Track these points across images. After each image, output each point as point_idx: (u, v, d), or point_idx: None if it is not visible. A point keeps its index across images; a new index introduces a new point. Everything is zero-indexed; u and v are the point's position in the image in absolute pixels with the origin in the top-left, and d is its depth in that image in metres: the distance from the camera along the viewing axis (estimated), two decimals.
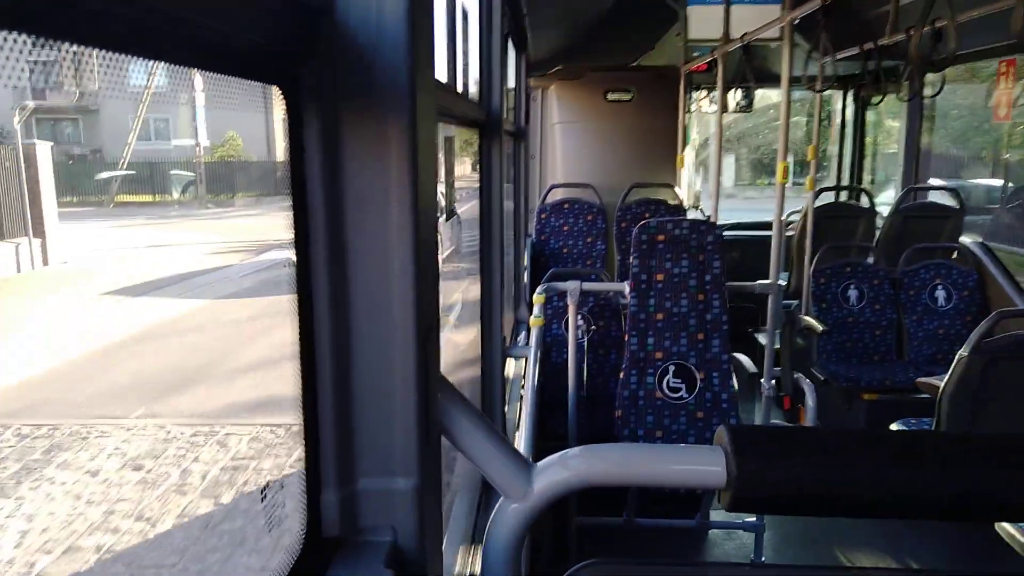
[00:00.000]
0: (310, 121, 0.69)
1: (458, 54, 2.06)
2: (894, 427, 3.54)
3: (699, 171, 10.17)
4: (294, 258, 0.71)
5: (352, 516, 0.79)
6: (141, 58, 0.47)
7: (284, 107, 0.67)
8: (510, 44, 3.89)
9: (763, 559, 3.43)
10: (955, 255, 4.97)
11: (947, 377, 3.08)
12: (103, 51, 0.45)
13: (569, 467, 0.80)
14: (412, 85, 0.70)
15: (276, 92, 0.66)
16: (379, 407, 0.78)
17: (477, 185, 2.31)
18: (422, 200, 0.76)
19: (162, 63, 0.51)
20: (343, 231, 0.73)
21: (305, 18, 0.67)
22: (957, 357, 3.02)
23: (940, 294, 4.74)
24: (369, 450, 0.78)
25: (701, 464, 0.71)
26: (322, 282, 0.73)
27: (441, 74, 2.03)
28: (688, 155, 7.10)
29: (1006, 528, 2.82)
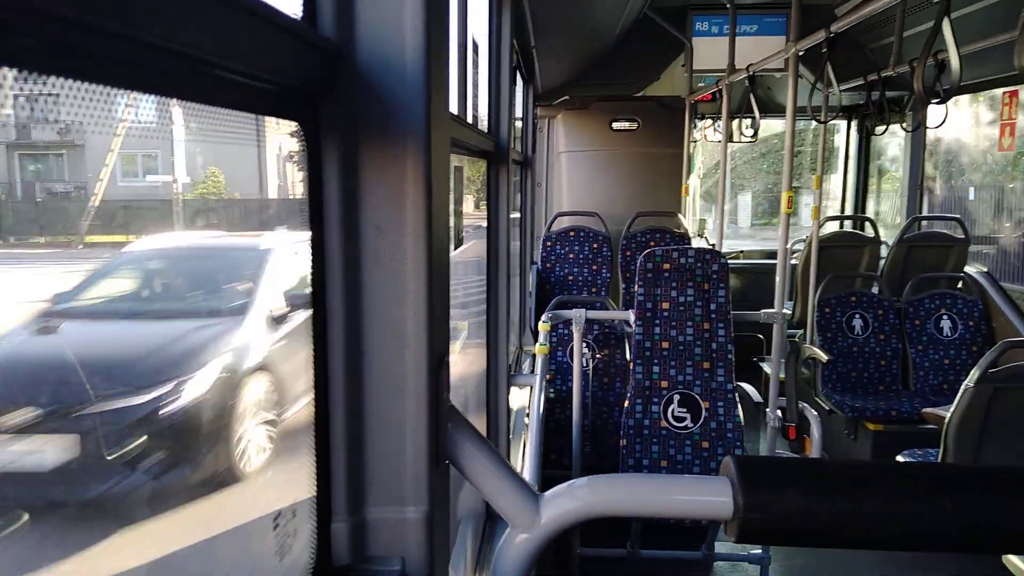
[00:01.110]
0: (328, 154, 0.71)
1: (468, 86, 2.10)
2: (900, 458, 3.52)
3: (709, 206, 10.14)
4: (311, 287, 0.72)
5: (361, 545, 0.79)
6: (166, 97, 0.49)
7: (303, 142, 0.69)
8: (518, 75, 3.94)
9: None
10: (960, 285, 4.96)
11: (953, 408, 3.07)
12: (128, 91, 0.46)
13: (577, 497, 0.80)
14: (428, 119, 0.72)
15: (295, 127, 0.68)
16: (390, 436, 0.78)
17: (480, 223, 2.33)
18: (436, 230, 0.77)
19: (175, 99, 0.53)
20: (359, 261, 0.75)
21: (325, 57, 0.69)
22: (963, 387, 3.01)
23: (945, 324, 4.73)
24: (379, 479, 0.79)
25: (708, 495, 0.71)
26: (338, 310, 0.74)
27: (453, 105, 2.07)
28: (693, 182, 7.15)
29: (1013, 561, 2.78)
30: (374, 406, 0.78)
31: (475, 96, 2.21)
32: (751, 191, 16.64)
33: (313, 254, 0.72)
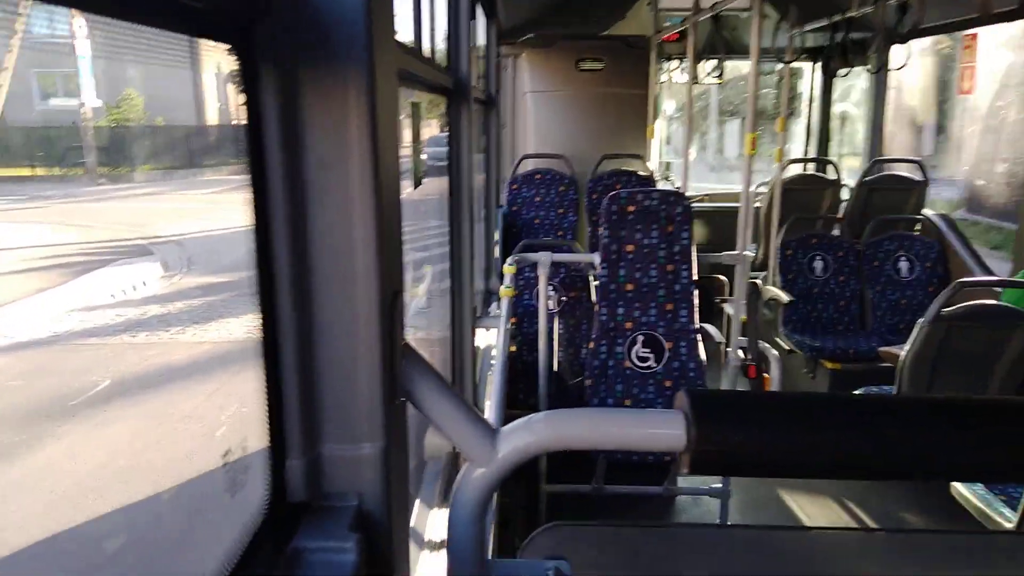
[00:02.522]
0: (266, 83, 0.67)
1: (424, 20, 2.03)
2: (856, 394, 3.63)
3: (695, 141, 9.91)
4: (253, 223, 0.70)
5: (317, 481, 0.79)
6: (79, 10, 0.45)
7: (238, 67, 0.65)
8: (480, 11, 3.83)
9: (728, 523, 3.51)
10: (918, 227, 5.06)
11: (908, 346, 3.16)
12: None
13: (534, 431, 0.81)
14: (370, 45, 0.69)
15: (228, 51, 0.64)
16: (343, 373, 0.77)
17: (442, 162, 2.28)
18: (384, 164, 0.75)
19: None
20: (304, 196, 0.72)
21: None
22: (917, 326, 3.09)
23: (903, 265, 4.84)
24: (333, 416, 0.78)
25: (661, 428, 0.72)
26: (283, 248, 0.72)
27: (407, 38, 1.99)
28: (660, 125, 7.10)
29: (959, 489, 2.92)
30: (325, 343, 0.76)
31: (432, 31, 2.14)
32: (740, 117, 16.28)
33: (254, 188, 0.69)
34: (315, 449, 0.79)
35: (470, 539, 0.82)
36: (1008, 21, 3.96)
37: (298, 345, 0.75)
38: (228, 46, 0.64)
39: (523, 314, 4.33)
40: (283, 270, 0.73)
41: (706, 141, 16.64)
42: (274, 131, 0.69)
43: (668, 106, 8.79)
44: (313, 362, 0.77)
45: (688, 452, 0.69)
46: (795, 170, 6.08)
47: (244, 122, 0.68)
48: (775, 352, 3.46)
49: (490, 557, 0.87)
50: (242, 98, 0.67)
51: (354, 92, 0.70)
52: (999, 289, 3.44)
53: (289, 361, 0.75)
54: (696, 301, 3.48)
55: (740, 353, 3.53)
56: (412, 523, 1.72)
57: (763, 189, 5.99)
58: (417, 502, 1.79)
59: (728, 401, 0.73)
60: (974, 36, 5.06)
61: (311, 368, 0.77)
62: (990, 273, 4.52)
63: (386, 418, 0.79)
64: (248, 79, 0.66)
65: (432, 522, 1.71)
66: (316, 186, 0.72)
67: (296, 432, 0.77)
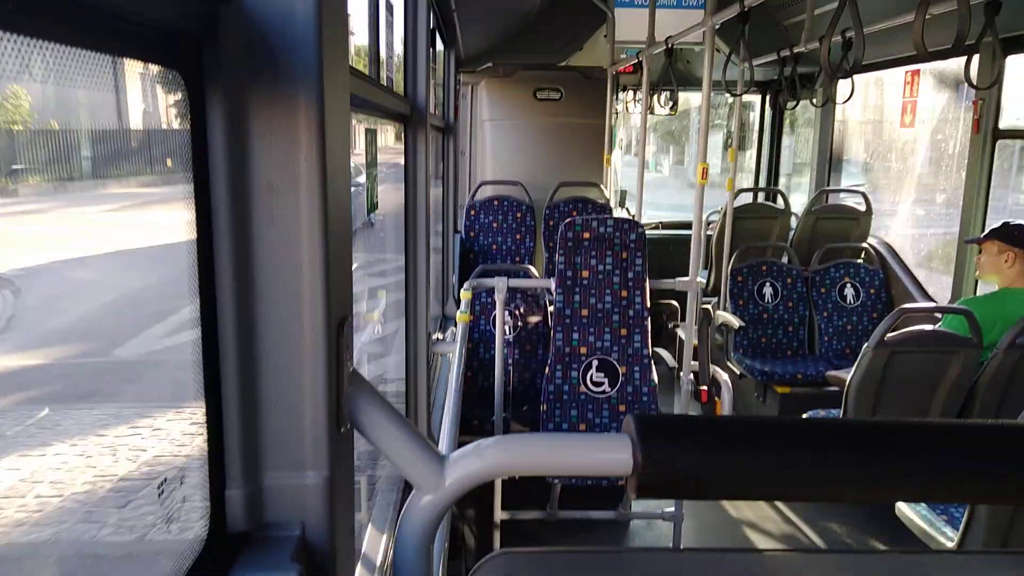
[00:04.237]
0: (213, 107, 0.67)
1: (382, 47, 2.04)
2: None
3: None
4: (195, 244, 0.69)
5: (259, 511, 0.77)
6: (28, 38, 0.45)
7: (186, 93, 0.65)
8: (439, 40, 3.86)
9: (681, 546, 3.53)
10: (863, 255, 5.23)
11: (853, 370, 3.24)
12: None
13: (483, 457, 0.80)
14: (320, 71, 0.69)
15: (177, 78, 0.64)
16: (287, 400, 0.76)
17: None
18: (333, 190, 0.75)
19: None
20: (250, 220, 0.72)
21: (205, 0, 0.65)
22: (862, 352, 3.18)
23: (849, 292, 4.98)
24: (277, 444, 0.77)
25: (609, 452, 0.72)
26: (226, 271, 0.71)
27: (363, 67, 2.01)
28: (616, 155, 7.23)
29: (902, 510, 2.99)
30: (270, 370, 0.75)
31: (389, 58, 2.15)
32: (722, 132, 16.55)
33: (198, 212, 0.69)
34: (256, 477, 0.77)
35: (416, 567, 0.82)
36: (943, 59, 4.16)
37: (240, 370, 0.74)
38: (176, 72, 0.64)
39: (479, 339, 4.33)
40: (226, 293, 0.72)
41: (685, 157, 17.05)
42: (221, 155, 0.68)
43: (620, 137, 8.92)
44: (256, 388, 0.75)
45: (635, 476, 0.70)
46: (746, 199, 6.23)
47: (189, 146, 0.67)
48: (726, 376, 3.52)
49: None
50: (188, 122, 0.66)
51: (304, 116, 0.70)
52: (939, 315, 3.56)
53: (231, 387, 0.74)
54: (649, 326, 3.52)
55: (692, 377, 3.59)
56: (363, 549, 1.69)
57: (715, 217, 6.12)
58: (367, 529, 1.76)
59: (675, 425, 0.74)
60: (916, 72, 5.29)
61: (253, 394, 0.76)
62: (931, 300, 4.69)
63: (331, 446, 0.78)
64: (195, 102, 0.66)
65: (383, 549, 1.69)
66: (263, 210, 0.72)
67: (237, 460, 0.75)
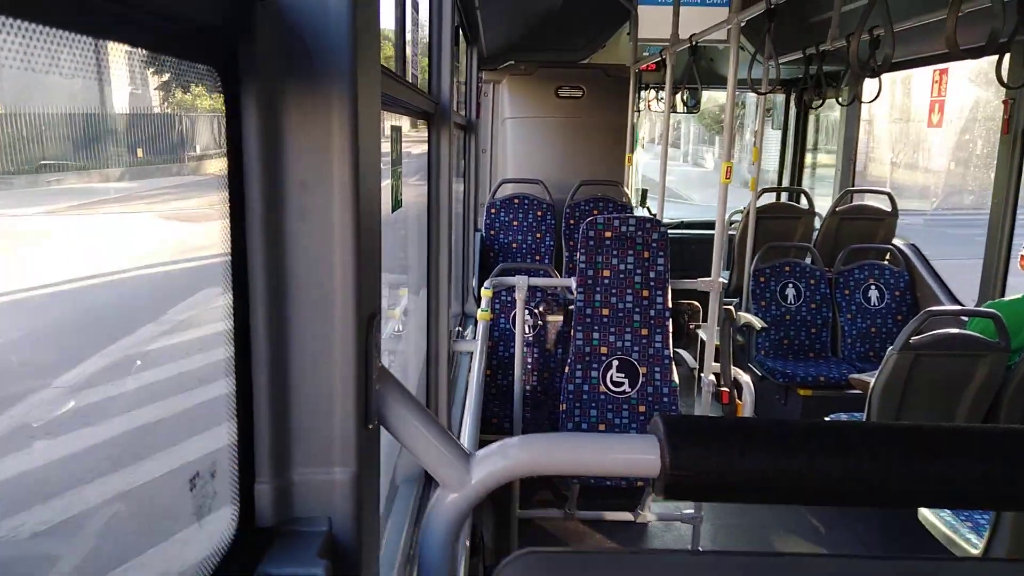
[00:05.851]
0: (248, 104, 0.67)
1: (408, 44, 2.05)
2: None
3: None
4: (228, 239, 0.69)
5: (287, 506, 0.78)
6: (61, 30, 0.45)
7: (221, 89, 0.65)
8: (462, 38, 3.87)
9: (700, 549, 3.51)
10: (888, 256, 5.16)
11: (877, 373, 3.20)
12: (27, 23, 0.43)
13: (508, 456, 0.80)
14: (354, 69, 0.69)
15: (212, 73, 0.65)
16: (316, 396, 0.77)
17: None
18: (364, 186, 0.75)
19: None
20: (283, 216, 0.72)
21: None
22: (887, 355, 3.14)
23: (873, 294, 4.92)
24: (305, 440, 0.78)
25: (635, 453, 0.72)
26: (259, 267, 0.72)
27: (391, 64, 2.01)
28: (638, 153, 7.19)
29: (926, 516, 2.95)
30: (299, 366, 0.76)
31: (415, 56, 2.16)
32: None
33: (232, 208, 0.69)
34: (285, 473, 0.78)
35: (441, 565, 0.82)
36: (975, 58, 4.09)
37: (271, 367, 0.75)
38: (211, 67, 0.64)
39: (498, 338, 4.33)
40: (259, 290, 0.72)
41: (737, 151, 16.04)
42: (255, 151, 0.69)
43: (642, 136, 8.85)
44: (286, 383, 0.76)
45: (663, 477, 0.69)
46: (769, 198, 6.18)
47: (225, 144, 0.68)
48: (747, 378, 3.49)
49: None
50: (224, 119, 0.67)
51: (338, 115, 0.70)
52: (966, 318, 3.51)
53: (261, 383, 0.74)
54: (670, 327, 3.51)
55: (713, 378, 3.56)
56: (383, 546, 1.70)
57: (737, 217, 6.07)
58: (388, 524, 1.77)
59: (703, 426, 0.73)
60: (944, 71, 5.21)
61: (283, 391, 0.76)
62: (957, 302, 4.62)
63: (359, 443, 0.78)
64: (230, 100, 0.67)
65: (404, 546, 1.69)
66: (297, 207, 0.72)
67: (266, 455, 0.76)
